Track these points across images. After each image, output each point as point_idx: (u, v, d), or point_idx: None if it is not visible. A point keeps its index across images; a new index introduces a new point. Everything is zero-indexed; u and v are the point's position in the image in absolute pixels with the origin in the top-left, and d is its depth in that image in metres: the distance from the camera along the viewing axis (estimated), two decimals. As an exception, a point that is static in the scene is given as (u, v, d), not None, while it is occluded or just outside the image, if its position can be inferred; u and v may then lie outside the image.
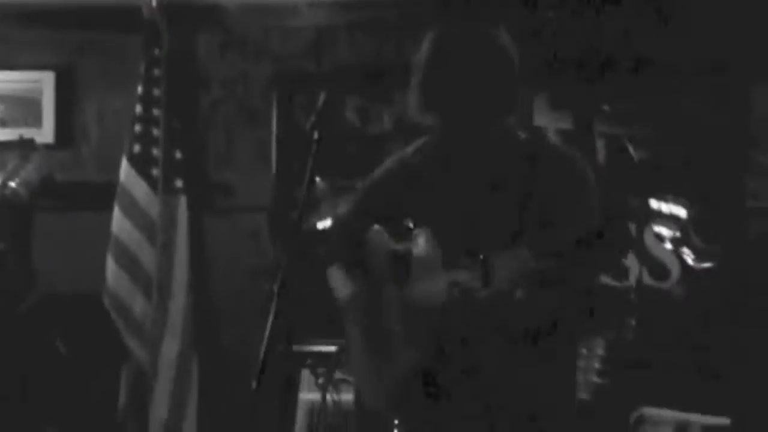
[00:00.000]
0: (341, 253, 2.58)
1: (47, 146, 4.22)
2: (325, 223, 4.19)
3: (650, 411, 3.46)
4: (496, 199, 2.27)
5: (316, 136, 2.60)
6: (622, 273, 3.76)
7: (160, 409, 4.04)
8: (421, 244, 2.32)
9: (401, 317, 2.32)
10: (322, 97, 2.79)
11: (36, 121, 4.39)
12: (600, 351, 3.41)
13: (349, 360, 2.56)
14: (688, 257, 3.84)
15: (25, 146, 4.02)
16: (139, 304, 4.10)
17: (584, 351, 3.31)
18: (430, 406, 2.30)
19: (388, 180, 2.52)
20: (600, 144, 4.09)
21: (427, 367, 2.27)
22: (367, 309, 2.41)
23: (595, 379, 3.39)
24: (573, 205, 2.22)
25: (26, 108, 4.41)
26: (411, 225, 2.37)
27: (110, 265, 4.09)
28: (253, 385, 2.38)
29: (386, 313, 2.36)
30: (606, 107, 4.10)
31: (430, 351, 2.25)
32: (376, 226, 2.43)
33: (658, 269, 3.81)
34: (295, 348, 3.90)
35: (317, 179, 4.02)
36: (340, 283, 2.53)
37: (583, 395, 3.22)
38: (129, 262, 4.09)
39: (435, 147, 2.41)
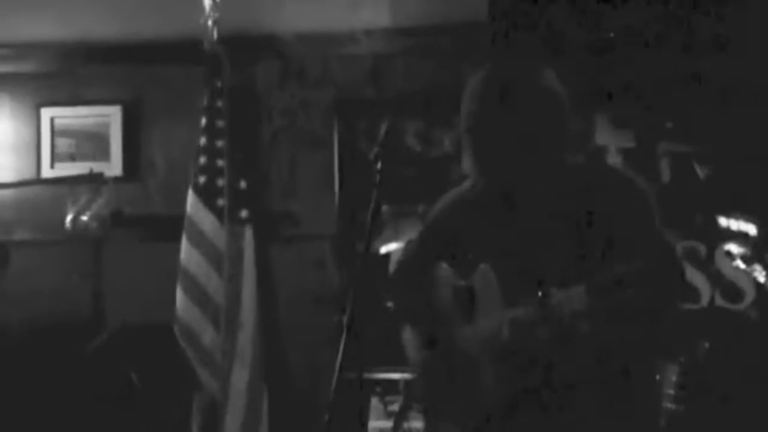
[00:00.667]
0: (410, 300, 2.57)
1: (116, 180, 4.32)
2: (388, 247, 4.20)
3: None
4: (555, 232, 2.24)
5: (379, 165, 2.61)
6: (692, 295, 3.70)
7: (232, 438, 4.08)
8: (481, 280, 2.31)
9: (470, 361, 2.31)
10: (384, 126, 2.80)
11: (104, 155, 4.50)
12: (674, 377, 3.34)
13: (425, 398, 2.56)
14: (761, 275, 3.75)
15: (95, 180, 4.11)
16: (208, 335, 4.14)
17: (657, 377, 3.26)
18: None
19: (446, 217, 2.50)
20: (664, 162, 4.03)
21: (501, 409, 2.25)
22: (439, 370, 2.41)
23: (671, 405, 3.32)
24: (634, 229, 2.18)
25: (95, 143, 4.52)
26: (473, 261, 2.36)
27: (180, 296, 4.14)
28: (325, 416, 2.40)
29: (457, 357, 2.36)
30: (670, 125, 4.05)
31: (504, 392, 2.24)
32: (442, 264, 2.43)
33: (731, 290, 3.74)
34: (365, 376, 3.92)
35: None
36: (411, 345, 2.52)
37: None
38: (198, 293, 4.14)
39: (490, 185, 2.37)
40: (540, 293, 2.11)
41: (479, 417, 2.29)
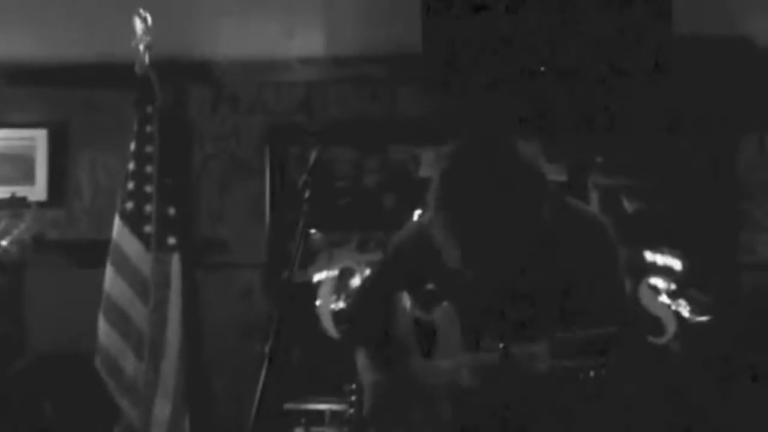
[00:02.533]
0: (368, 323, 2.54)
1: (40, 204, 4.23)
2: (320, 275, 4.18)
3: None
4: (521, 284, 2.21)
5: (307, 193, 2.59)
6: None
7: (151, 471, 3.98)
8: (442, 317, 2.29)
9: (425, 394, 2.29)
10: (314, 154, 2.79)
11: (28, 179, 4.39)
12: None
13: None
14: (684, 310, 3.81)
15: (17, 204, 4.02)
16: (130, 364, 4.04)
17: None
18: None
19: (410, 247, 2.46)
20: (594, 196, 4.08)
21: None
22: (390, 395, 2.38)
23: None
24: (596, 269, 2.18)
25: (19, 166, 4.41)
26: (434, 295, 2.34)
27: (102, 324, 4.04)
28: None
29: (412, 387, 2.33)
30: (600, 159, 4.11)
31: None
32: (404, 293, 2.40)
33: (654, 324, 3.78)
34: (288, 407, 3.87)
35: (312, 232, 4.01)
36: (366, 367, 2.49)
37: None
38: (121, 321, 4.05)
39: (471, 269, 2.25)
40: (502, 345, 2.09)
41: None
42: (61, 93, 4.42)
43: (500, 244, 2.10)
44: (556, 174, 4.11)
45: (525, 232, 2.12)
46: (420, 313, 2.39)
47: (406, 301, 2.41)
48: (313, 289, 4.14)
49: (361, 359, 2.55)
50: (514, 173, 2.11)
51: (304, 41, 4.19)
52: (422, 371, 2.35)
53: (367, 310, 2.60)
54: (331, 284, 4.16)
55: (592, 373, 1.97)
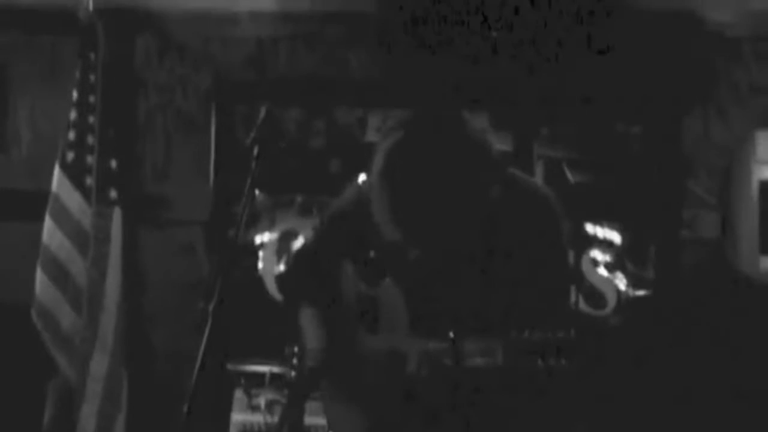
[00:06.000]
0: (309, 288, 2.51)
1: (-24, 152, 4.11)
2: (263, 237, 4.15)
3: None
4: (467, 268, 2.17)
5: (256, 151, 2.55)
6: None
7: (87, 427, 3.93)
8: (386, 294, 2.27)
9: (370, 368, 2.29)
10: (262, 112, 2.75)
11: (-37, 125, 4.27)
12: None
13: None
14: (621, 283, 3.88)
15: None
16: (68, 318, 3.98)
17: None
18: None
19: (347, 214, 2.40)
20: (539, 166, 4.12)
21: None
22: (335, 362, 2.37)
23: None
24: (541, 242, 2.18)
25: (-46, 112, 4.29)
26: (377, 267, 2.30)
27: (39, 277, 3.96)
28: (185, 406, 2.34)
29: (353, 362, 2.33)
30: (545, 130, 4.13)
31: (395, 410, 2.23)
32: (346, 263, 2.37)
33: (594, 296, 3.85)
34: (229, 367, 3.85)
35: (256, 193, 3.97)
36: (310, 332, 2.47)
37: None
38: (59, 275, 3.97)
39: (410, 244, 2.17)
40: (451, 334, 2.08)
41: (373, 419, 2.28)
42: (1, 37, 4.27)
43: (445, 224, 2.04)
44: (502, 143, 4.13)
45: (471, 213, 2.06)
46: (363, 287, 2.36)
47: (350, 271, 2.39)
48: (254, 251, 4.12)
49: (306, 324, 2.53)
50: (462, 152, 2.05)
51: (255, -5, 4.13)
52: (366, 346, 2.34)
53: (303, 278, 2.56)
54: (274, 247, 4.14)
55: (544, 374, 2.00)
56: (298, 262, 2.75)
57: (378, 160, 2.09)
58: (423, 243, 2.10)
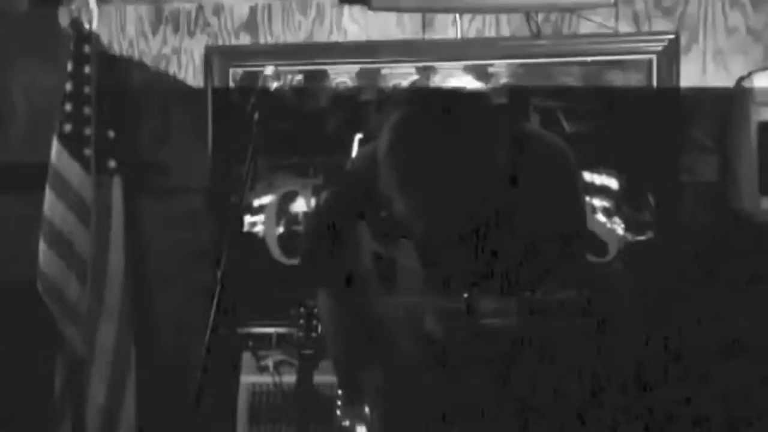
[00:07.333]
0: (323, 248, 2.51)
1: (-29, 126, 4.10)
2: (261, 201, 4.15)
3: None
4: (479, 216, 2.13)
5: (256, 117, 2.55)
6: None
7: (98, 397, 3.96)
8: (403, 256, 2.27)
9: (385, 332, 2.30)
10: (261, 77, 2.74)
11: (-42, 98, 4.25)
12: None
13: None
14: (620, 229, 3.90)
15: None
16: (73, 289, 3.99)
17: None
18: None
19: (365, 170, 2.35)
20: (534, 117, 4.10)
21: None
22: (350, 330, 2.38)
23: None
24: (558, 199, 2.17)
25: (-54, 84, 4.27)
26: (393, 231, 2.29)
27: (43, 250, 3.97)
28: (199, 370, 2.36)
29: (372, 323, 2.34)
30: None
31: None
32: (362, 224, 2.36)
33: (596, 244, 3.86)
34: (237, 330, 3.89)
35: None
36: (325, 308, 2.48)
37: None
38: (62, 246, 3.98)
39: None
40: (466, 295, 2.09)
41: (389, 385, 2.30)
42: (-8, 9, 4.26)
43: (455, 198, 2.02)
44: (497, 95, 4.11)
45: (481, 184, 2.04)
46: (378, 247, 2.36)
47: (366, 232, 2.38)
48: (254, 214, 4.12)
49: (320, 298, 2.54)
50: (470, 124, 2.02)
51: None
52: (383, 308, 2.35)
53: (320, 238, 2.57)
54: (274, 208, 4.14)
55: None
56: (315, 221, 2.76)
57: (385, 135, 2.09)
58: (433, 218, 2.09)
